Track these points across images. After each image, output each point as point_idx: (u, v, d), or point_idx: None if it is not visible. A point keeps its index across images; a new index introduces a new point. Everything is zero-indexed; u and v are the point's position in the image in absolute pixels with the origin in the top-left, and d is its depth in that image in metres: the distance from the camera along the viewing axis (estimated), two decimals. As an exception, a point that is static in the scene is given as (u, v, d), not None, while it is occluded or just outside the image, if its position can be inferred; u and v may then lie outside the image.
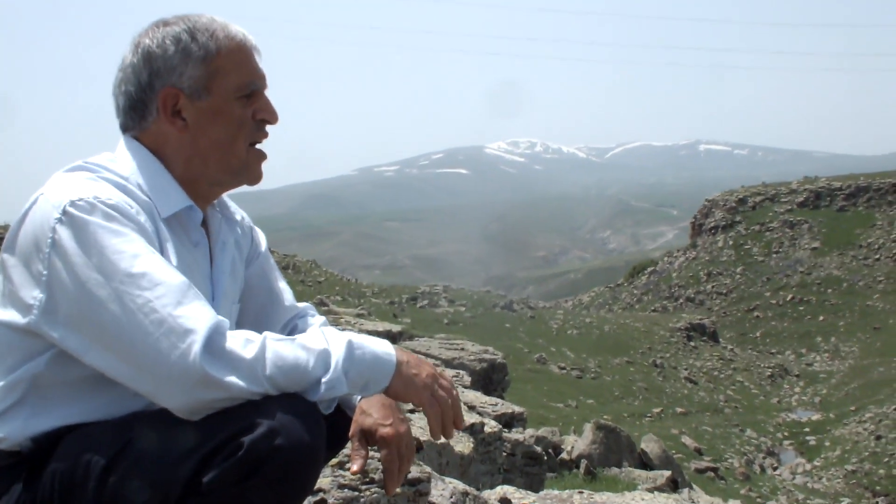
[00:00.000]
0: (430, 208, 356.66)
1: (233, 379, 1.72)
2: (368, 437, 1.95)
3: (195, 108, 2.01)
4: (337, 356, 1.82)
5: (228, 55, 2.03)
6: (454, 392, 2.01)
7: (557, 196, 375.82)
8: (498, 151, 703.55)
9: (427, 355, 11.30)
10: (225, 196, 2.23)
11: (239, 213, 2.33)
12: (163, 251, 1.90)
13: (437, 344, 12.99)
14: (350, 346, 1.86)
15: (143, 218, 1.86)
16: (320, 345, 1.82)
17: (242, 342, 1.75)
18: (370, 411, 1.96)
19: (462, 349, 12.64)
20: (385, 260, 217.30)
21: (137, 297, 1.72)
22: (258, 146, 2.09)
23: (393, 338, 12.12)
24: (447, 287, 56.86)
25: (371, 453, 2.01)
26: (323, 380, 1.80)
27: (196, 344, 1.69)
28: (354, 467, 1.92)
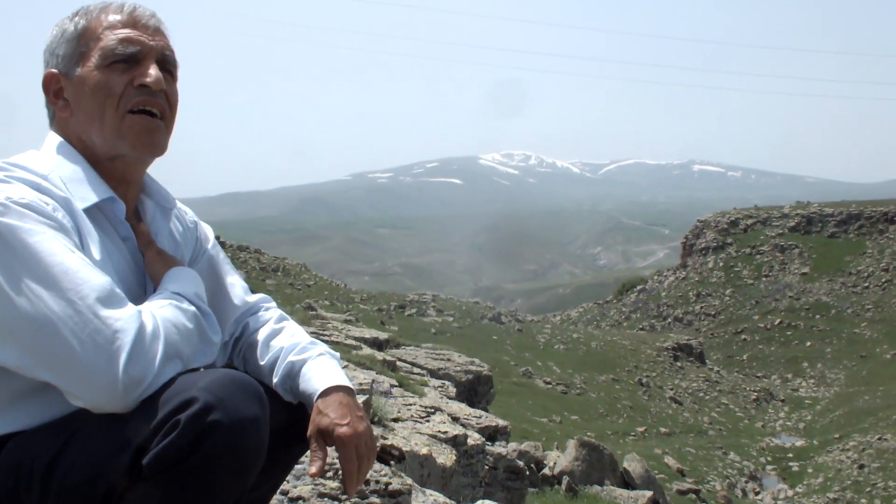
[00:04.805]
0: (422, 216, 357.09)
1: (157, 374, 1.71)
2: (326, 438, 1.94)
3: (71, 86, 2.00)
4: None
5: (98, 27, 2.01)
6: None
7: (549, 210, 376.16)
8: (492, 163, 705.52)
9: (414, 364, 11.24)
10: (158, 184, 2.19)
11: (178, 206, 2.28)
12: (84, 247, 1.84)
13: (424, 353, 12.94)
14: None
15: (60, 215, 1.81)
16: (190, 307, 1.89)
17: (153, 333, 1.74)
18: (327, 411, 1.96)
19: (448, 360, 12.60)
20: (375, 266, 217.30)
21: (58, 299, 1.68)
22: (146, 119, 2.01)
23: (380, 345, 12.06)
24: (436, 296, 56.85)
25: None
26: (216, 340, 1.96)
27: (124, 348, 1.67)
28: (313, 469, 1.90)
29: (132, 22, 2.03)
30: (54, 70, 2.02)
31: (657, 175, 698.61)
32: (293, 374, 2.07)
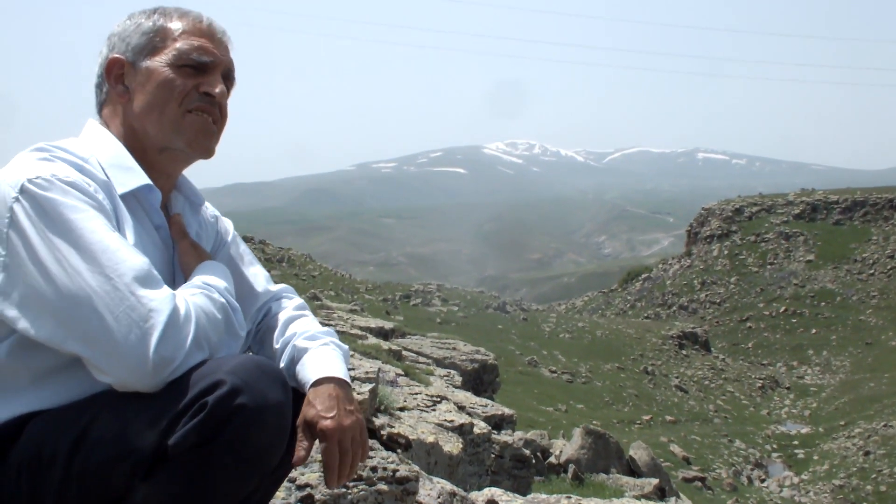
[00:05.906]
0: (427, 206, 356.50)
1: (186, 356, 1.75)
2: (311, 429, 1.94)
3: (136, 74, 2.07)
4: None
5: (176, 29, 2.11)
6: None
7: (554, 199, 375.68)
8: (496, 152, 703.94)
9: (419, 354, 11.25)
10: (188, 180, 2.26)
11: (203, 203, 2.34)
12: (120, 231, 1.88)
13: (430, 343, 12.96)
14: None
15: (101, 196, 1.86)
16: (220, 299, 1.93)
17: (185, 317, 1.78)
18: (315, 402, 1.96)
19: (454, 349, 12.61)
20: (380, 256, 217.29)
21: (97, 275, 1.72)
22: (207, 120, 2.10)
23: (385, 335, 12.07)
24: (441, 286, 56.93)
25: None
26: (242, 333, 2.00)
27: (157, 327, 1.71)
28: (295, 459, 1.91)
29: (209, 34, 2.14)
30: (120, 56, 2.08)
31: (661, 163, 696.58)
32: (295, 360, 2.09)
